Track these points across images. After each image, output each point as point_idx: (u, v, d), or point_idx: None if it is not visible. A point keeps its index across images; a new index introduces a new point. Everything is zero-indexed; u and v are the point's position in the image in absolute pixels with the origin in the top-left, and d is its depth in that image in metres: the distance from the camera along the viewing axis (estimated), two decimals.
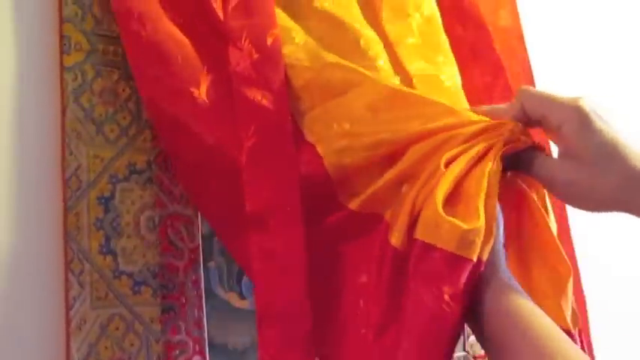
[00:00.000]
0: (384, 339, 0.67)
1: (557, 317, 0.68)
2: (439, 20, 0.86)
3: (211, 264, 0.82)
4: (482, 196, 0.65)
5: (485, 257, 0.65)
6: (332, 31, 0.79)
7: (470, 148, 0.68)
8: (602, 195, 0.66)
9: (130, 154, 0.78)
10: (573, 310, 0.72)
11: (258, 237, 0.71)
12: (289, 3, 0.81)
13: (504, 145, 0.67)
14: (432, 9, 0.87)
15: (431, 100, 0.72)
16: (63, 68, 0.76)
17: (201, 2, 0.79)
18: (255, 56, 0.76)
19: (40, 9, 0.77)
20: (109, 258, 0.75)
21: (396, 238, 0.67)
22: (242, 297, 0.84)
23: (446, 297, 0.63)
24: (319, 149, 0.74)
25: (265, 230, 0.71)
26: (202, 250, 0.81)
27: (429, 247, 0.64)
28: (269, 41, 0.77)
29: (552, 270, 0.72)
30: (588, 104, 0.66)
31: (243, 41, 0.77)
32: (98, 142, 0.77)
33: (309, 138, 0.76)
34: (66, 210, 0.74)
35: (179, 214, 0.80)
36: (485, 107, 0.74)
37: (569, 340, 0.63)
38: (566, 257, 0.72)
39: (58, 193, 0.74)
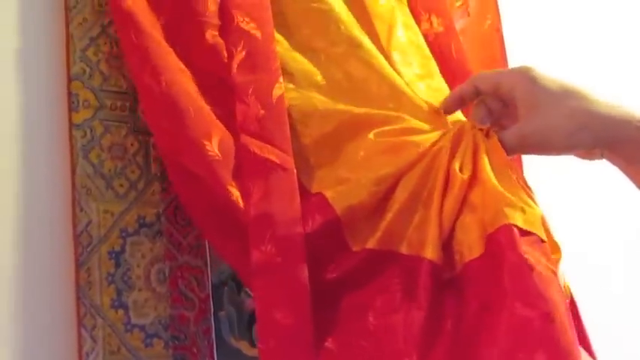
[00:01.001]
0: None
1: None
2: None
3: (222, 313, 0.83)
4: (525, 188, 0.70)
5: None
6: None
7: (464, 152, 0.72)
8: (567, 127, 0.69)
9: (139, 208, 0.79)
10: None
11: (261, 282, 0.72)
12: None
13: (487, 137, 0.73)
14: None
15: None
16: (72, 125, 0.77)
17: (212, 56, 0.81)
18: (261, 112, 0.78)
19: (48, 67, 0.79)
20: (120, 312, 0.76)
21: (431, 252, 0.69)
22: (253, 345, 0.84)
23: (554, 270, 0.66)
24: (327, 195, 0.75)
25: (269, 277, 0.72)
26: (212, 299, 0.82)
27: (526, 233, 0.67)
28: (274, 97, 0.79)
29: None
30: (533, 67, 0.72)
31: (249, 97, 0.78)
32: (108, 197, 0.78)
33: (316, 189, 0.77)
34: (77, 266, 0.75)
35: (189, 265, 0.81)
36: (446, 98, 0.79)
37: None
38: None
39: (69, 249, 0.75)
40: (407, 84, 0.82)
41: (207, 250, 0.83)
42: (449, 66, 0.95)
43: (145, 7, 0.80)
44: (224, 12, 0.81)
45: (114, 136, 0.79)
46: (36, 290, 0.74)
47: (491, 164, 0.71)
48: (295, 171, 0.75)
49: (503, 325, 0.64)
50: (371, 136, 0.76)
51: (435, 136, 0.74)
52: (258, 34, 0.81)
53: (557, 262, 0.70)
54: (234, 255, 0.77)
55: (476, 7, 1.13)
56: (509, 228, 0.67)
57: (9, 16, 0.78)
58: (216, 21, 0.81)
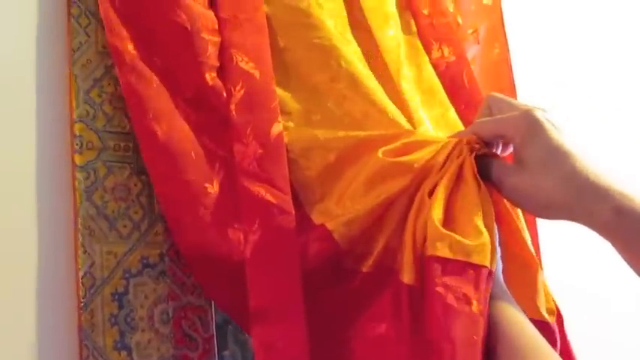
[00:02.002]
0: None
1: (531, 310, 0.74)
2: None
3: (226, 353, 0.83)
4: (480, 214, 0.71)
5: (494, 268, 0.69)
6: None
7: (444, 174, 0.73)
8: (546, 198, 0.69)
9: (142, 249, 0.79)
10: (549, 302, 0.77)
11: (260, 330, 0.72)
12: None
13: (472, 157, 0.73)
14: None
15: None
16: (75, 167, 0.78)
17: (213, 97, 0.81)
18: (259, 152, 0.78)
19: (52, 110, 0.79)
20: (123, 353, 0.76)
21: (407, 277, 0.71)
22: None
23: (474, 303, 0.68)
24: (329, 226, 0.76)
25: (267, 324, 0.72)
26: (217, 339, 0.82)
27: (445, 261, 0.69)
28: (272, 135, 0.79)
29: (522, 265, 0.77)
30: (541, 114, 0.70)
31: (247, 136, 0.79)
32: (111, 238, 0.78)
33: (318, 221, 0.77)
34: (80, 308, 0.75)
35: (192, 305, 0.81)
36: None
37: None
38: (533, 251, 0.77)
39: (72, 291, 0.75)
40: (410, 118, 0.82)
41: None
42: (461, 95, 0.96)
43: (142, 49, 0.80)
44: (223, 52, 0.82)
45: (117, 177, 0.80)
46: (39, 332, 0.74)
47: (453, 183, 0.73)
48: (293, 211, 0.76)
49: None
50: (379, 154, 0.77)
51: (432, 150, 0.76)
52: (256, 73, 0.82)
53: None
54: (228, 300, 0.78)
55: (485, 36, 1.13)
56: (431, 259, 0.69)
57: (12, 56, 0.79)
58: (215, 62, 0.81)
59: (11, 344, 0.73)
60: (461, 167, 0.73)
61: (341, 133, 0.80)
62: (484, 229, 0.70)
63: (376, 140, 0.78)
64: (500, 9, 1.13)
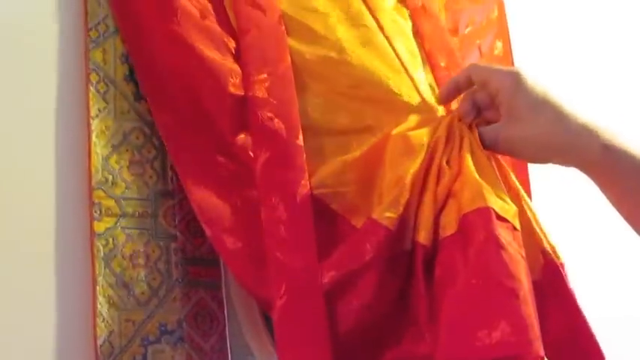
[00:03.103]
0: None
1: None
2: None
3: None
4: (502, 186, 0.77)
5: None
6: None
7: (453, 146, 0.79)
8: (539, 142, 0.76)
9: (160, 315, 0.80)
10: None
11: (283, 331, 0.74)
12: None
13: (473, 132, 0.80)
14: None
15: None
16: (94, 235, 0.78)
17: (241, 156, 0.82)
18: (284, 215, 0.79)
19: (71, 178, 0.80)
20: None
21: (424, 236, 0.75)
22: None
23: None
24: (374, 216, 0.77)
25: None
26: None
27: (499, 216, 0.73)
28: (299, 197, 0.80)
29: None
30: (522, 71, 0.77)
31: (273, 200, 0.79)
32: (130, 305, 0.78)
33: (360, 222, 0.79)
34: None
35: None
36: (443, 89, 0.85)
37: None
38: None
39: None
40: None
41: (229, 352, 0.83)
42: None
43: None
44: (248, 109, 0.83)
45: (136, 243, 0.80)
46: None
47: (473, 158, 0.78)
48: (319, 275, 0.76)
49: (463, 297, 0.70)
50: (393, 132, 0.82)
51: (430, 129, 0.81)
52: (282, 129, 0.82)
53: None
54: None
55: (489, 44, 1.16)
56: (487, 210, 0.73)
57: (33, 124, 0.80)
58: (242, 120, 0.83)
59: None
60: (470, 142, 0.79)
61: (357, 153, 0.82)
62: (508, 198, 0.76)
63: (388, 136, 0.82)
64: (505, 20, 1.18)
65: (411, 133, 0.81)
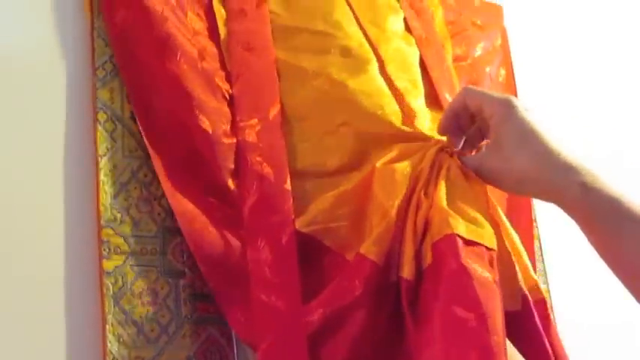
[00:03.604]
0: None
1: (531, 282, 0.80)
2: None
3: None
4: (476, 207, 0.78)
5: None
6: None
7: (434, 176, 0.80)
8: (517, 176, 0.76)
9: (170, 352, 0.80)
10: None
11: None
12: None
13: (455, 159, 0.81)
14: None
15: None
16: (103, 273, 0.79)
17: (234, 199, 0.83)
18: (269, 257, 0.79)
19: (79, 215, 0.80)
20: None
21: (407, 271, 0.75)
22: None
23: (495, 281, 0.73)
24: (361, 250, 0.77)
25: None
26: None
27: (464, 240, 0.74)
28: (284, 241, 0.80)
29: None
30: (516, 100, 0.77)
31: (259, 243, 0.80)
32: (139, 343, 0.79)
33: (351, 255, 0.79)
34: None
35: None
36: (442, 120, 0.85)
37: None
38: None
39: None
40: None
41: None
42: None
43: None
44: (238, 153, 0.84)
45: (145, 281, 0.81)
46: None
47: (447, 183, 0.79)
48: (304, 318, 0.76)
49: (439, 327, 0.70)
50: (378, 165, 0.82)
51: (416, 159, 0.82)
52: (270, 174, 0.83)
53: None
54: None
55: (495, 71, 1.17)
56: (452, 237, 0.74)
57: (41, 164, 0.81)
58: (232, 165, 0.84)
59: None
60: (448, 170, 0.80)
61: (349, 185, 0.83)
62: (484, 220, 0.77)
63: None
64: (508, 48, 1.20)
65: (396, 165, 0.82)
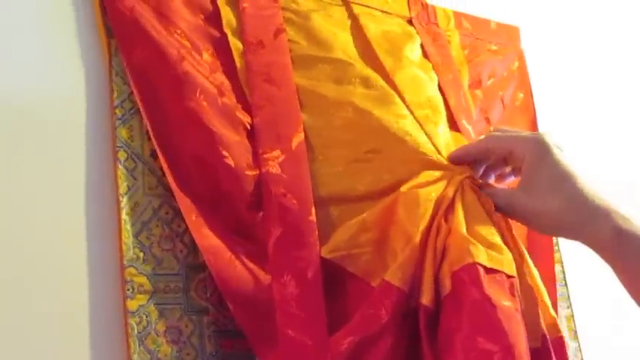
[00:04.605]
0: None
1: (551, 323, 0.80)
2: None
3: None
4: (498, 235, 0.79)
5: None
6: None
7: (455, 203, 0.81)
8: (550, 219, 0.77)
9: None
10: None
11: None
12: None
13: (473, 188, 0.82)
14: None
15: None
16: (127, 313, 0.79)
17: (258, 234, 0.83)
18: (295, 292, 0.79)
19: (102, 257, 0.80)
20: None
21: (426, 298, 0.75)
22: None
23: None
24: (386, 277, 0.78)
25: None
26: None
27: (486, 269, 0.75)
28: (309, 275, 0.80)
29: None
30: (549, 138, 0.78)
31: (284, 275, 0.80)
32: None
33: (376, 282, 0.80)
34: None
35: None
36: (456, 152, 0.88)
37: None
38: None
39: None
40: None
41: None
42: None
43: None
44: (261, 185, 0.84)
45: (168, 319, 0.80)
46: None
47: (467, 209, 0.80)
48: (329, 352, 0.76)
49: (463, 358, 0.70)
50: (402, 189, 0.83)
51: (441, 186, 0.83)
52: (294, 205, 0.83)
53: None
54: None
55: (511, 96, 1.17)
56: (473, 266, 0.74)
57: (63, 205, 0.81)
58: (256, 198, 0.84)
59: None
60: (469, 198, 0.81)
61: (373, 211, 0.84)
62: (503, 246, 0.77)
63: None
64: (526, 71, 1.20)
65: (420, 191, 0.82)
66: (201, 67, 0.86)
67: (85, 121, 0.84)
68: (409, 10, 1.10)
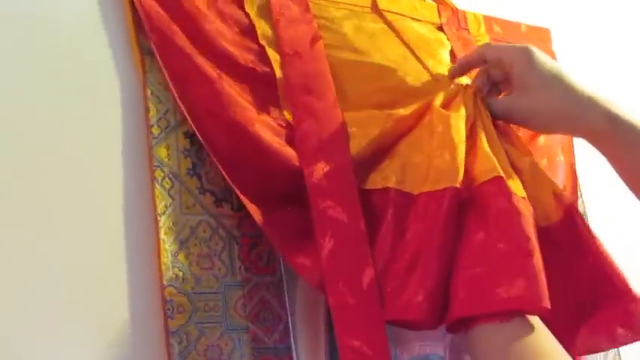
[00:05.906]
0: None
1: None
2: None
3: None
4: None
5: None
6: None
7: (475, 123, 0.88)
8: (547, 114, 0.85)
9: None
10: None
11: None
12: None
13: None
14: None
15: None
16: (169, 333, 0.79)
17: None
18: (352, 301, 0.79)
19: (142, 277, 0.81)
20: None
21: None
22: None
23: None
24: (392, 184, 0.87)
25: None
26: None
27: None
28: (364, 285, 0.80)
29: None
30: (533, 47, 0.86)
31: (339, 285, 0.80)
32: None
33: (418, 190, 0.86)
34: None
35: None
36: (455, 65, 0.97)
37: None
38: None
39: None
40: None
41: None
42: None
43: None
44: (309, 199, 0.83)
45: (209, 338, 0.81)
46: None
47: (486, 133, 0.86)
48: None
49: (484, 258, 0.78)
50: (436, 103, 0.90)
51: (459, 101, 0.90)
52: (344, 217, 0.83)
53: None
54: None
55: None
56: (500, 179, 0.81)
57: (103, 226, 0.81)
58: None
59: None
60: (487, 122, 0.88)
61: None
62: (513, 172, 0.85)
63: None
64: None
65: (453, 114, 0.88)
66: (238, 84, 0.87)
67: (121, 142, 0.85)
68: (439, 16, 1.09)
